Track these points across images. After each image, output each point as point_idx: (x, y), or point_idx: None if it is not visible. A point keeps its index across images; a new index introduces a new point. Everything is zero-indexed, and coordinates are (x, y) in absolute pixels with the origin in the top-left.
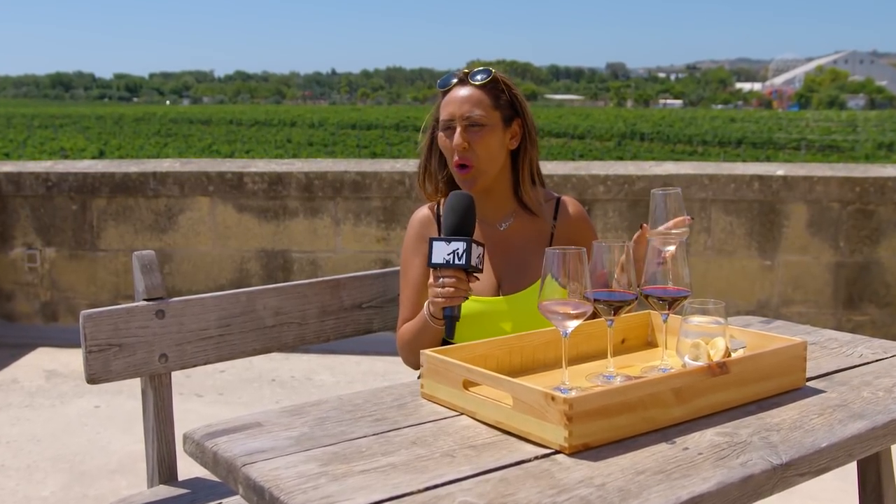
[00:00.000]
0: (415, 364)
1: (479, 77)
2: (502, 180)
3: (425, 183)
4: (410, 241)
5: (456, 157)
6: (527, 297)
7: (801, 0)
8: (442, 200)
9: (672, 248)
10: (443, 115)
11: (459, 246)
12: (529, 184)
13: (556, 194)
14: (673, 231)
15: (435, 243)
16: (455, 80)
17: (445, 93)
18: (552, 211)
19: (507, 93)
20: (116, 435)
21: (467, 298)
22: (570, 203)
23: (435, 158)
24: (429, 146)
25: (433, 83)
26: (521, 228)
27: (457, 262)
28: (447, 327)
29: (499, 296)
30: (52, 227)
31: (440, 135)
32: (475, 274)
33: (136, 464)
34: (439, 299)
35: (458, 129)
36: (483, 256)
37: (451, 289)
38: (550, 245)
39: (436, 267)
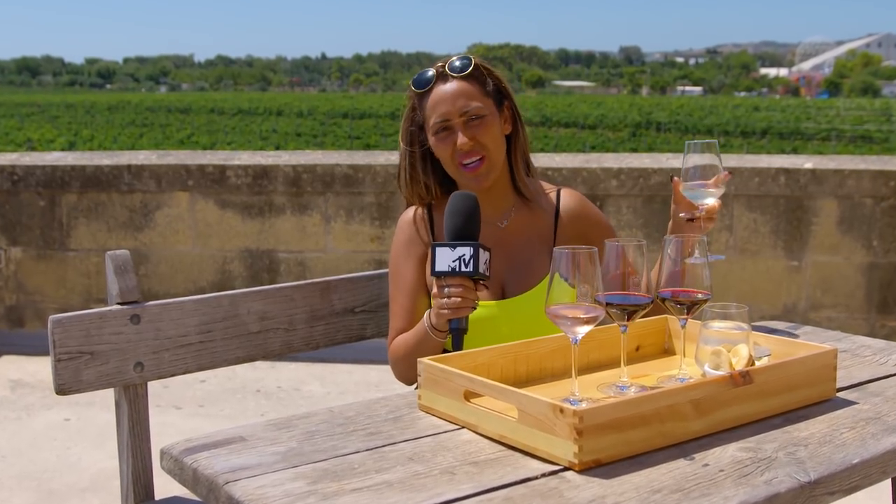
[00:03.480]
0: (409, 380)
1: (459, 66)
2: (501, 171)
3: (417, 194)
4: (400, 245)
5: (462, 157)
6: (532, 298)
7: None
8: (433, 203)
9: (710, 201)
10: (434, 118)
11: (465, 252)
12: (524, 171)
13: (554, 186)
14: (711, 189)
15: (438, 249)
16: (433, 77)
17: (425, 93)
18: (553, 204)
19: (489, 78)
20: (88, 450)
21: (475, 308)
22: (571, 194)
23: (421, 165)
24: (412, 155)
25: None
26: (522, 225)
27: (463, 269)
28: (454, 340)
29: (502, 299)
30: (18, 225)
31: (433, 140)
32: (483, 281)
33: (110, 482)
34: (445, 311)
35: (459, 128)
36: (490, 261)
37: (458, 298)
38: (555, 241)
39: (440, 275)
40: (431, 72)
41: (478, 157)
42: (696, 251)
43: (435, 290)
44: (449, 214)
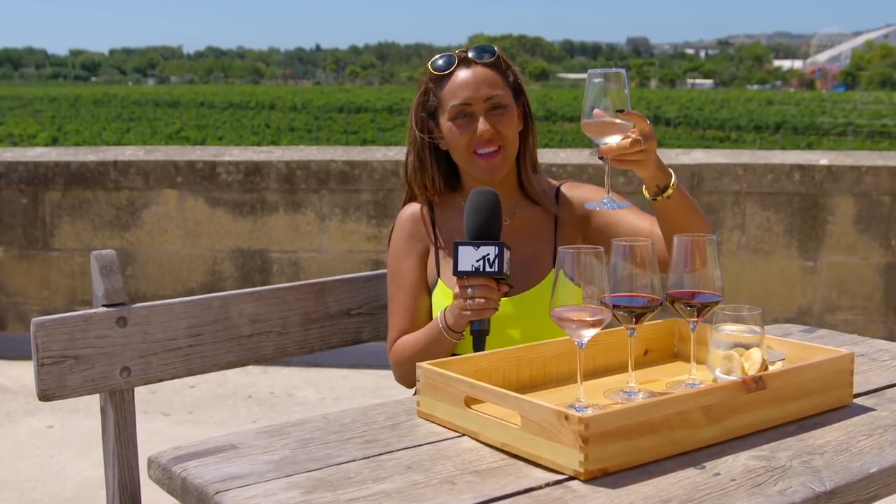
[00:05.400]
0: (413, 383)
1: (486, 55)
2: (510, 168)
3: (424, 185)
4: (401, 241)
5: (479, 146)
6: (536, 295)
7: None
8: (436, 199)
9: (610, 141)
10: (454, 101)
11: (490, 251)
12: (531, 170)
13: (555, 182)
14: (614, 120)
15: (461, 248)
16: (454, 61)
17: (443, 77)
18: (553, 199)
19: (510, 71)
20: (72, 459)
21: (497, 310)
22: (571, 187)
23: (430, 154)
24: (421, 142)
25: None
26: (525, 222)
27: (488, 269)
28: (476, 342)
29: (506, 296)
30: (0, 224)
31: (448, 126)
32: (505, 281)
33: (95, 491)
34: (468, 312)
35: (482, 114)
36: (511, 261)
37: (482, 300)
38: (555, 236)
39: (462, 275)
40: (452, 56)
41: (495, 147)
42: (605, 199)
43: (457, 289)
44: (470, 211)
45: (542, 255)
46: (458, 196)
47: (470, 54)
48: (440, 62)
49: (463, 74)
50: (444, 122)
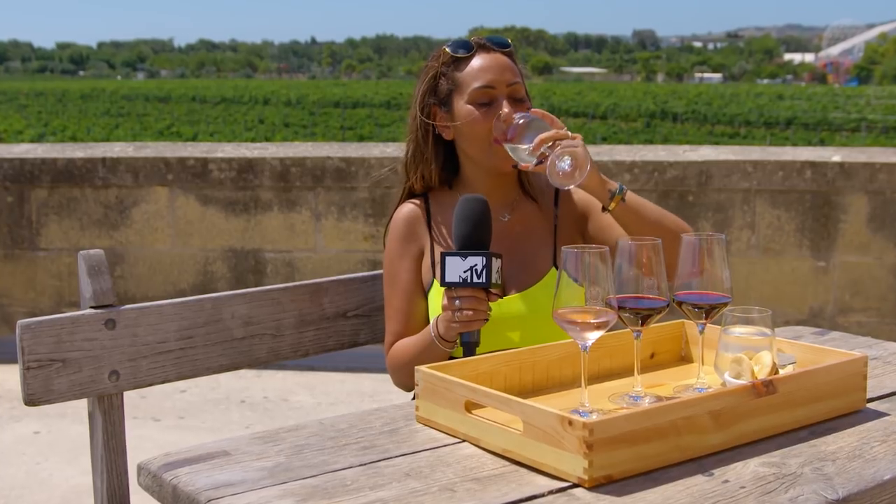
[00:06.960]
0: (411, 387)
1: (503, 42)
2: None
3: (420, 173)
4: (396, 242)
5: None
6: (534, 294)
7: None
8: (430, 195)
9: (525, 158)
10: (477, 83)
11: (478, 262)
12: None
13: None
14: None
15: (448, 259)
16: (474, 45)
17: (464, 59)
18: (552, 196)
19: (518, 67)
20: (59, 466)
21: (487, 321)
22: None
23: (431, 143)
24: (425, 128)
25: (429, 54)
26: (523, 218)
27: (475, 280)
28: (466, 354)
29: (504, 296)
30: None
31: (469, 108)
32: (494, 290)
33: (83, 499)
34: (456, 324)
35: (505, 101)
36: (502, 269)
37: (470, 311)
38: (555, 234)
39: (450, 286)
40: (469, 41)
41: None
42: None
43: (445, 301)
44: (458, 220)
45: (541, 253)
46: (457, 192)
47: (488, 42)
48: (459, 44)
49: (485, 58)
50: (463, 106)
